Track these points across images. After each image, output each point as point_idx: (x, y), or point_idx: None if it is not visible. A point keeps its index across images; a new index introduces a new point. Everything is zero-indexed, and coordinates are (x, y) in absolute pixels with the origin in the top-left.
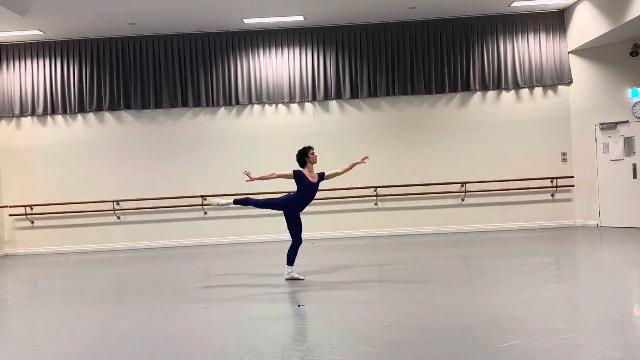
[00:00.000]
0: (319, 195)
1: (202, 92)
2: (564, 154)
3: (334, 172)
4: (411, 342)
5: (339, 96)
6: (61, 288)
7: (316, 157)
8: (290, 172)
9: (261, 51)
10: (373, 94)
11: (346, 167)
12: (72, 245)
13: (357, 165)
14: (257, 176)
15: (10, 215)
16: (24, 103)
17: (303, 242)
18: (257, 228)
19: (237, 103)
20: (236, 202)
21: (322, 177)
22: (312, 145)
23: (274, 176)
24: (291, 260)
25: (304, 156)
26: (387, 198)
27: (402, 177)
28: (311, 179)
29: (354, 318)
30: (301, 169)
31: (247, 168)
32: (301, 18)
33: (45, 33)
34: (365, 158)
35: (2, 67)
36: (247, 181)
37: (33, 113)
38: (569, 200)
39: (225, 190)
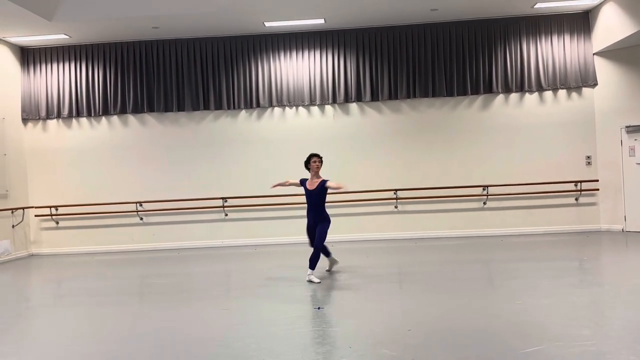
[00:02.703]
0: (337, 197)
1: (224, 95)
2: (589, 157)
3: (330, 184)
4: (432, 346)
5: (359, 98)
6: (84, 288)
7: (317, 165)
8: (297, 180)
9: (282, 54)
10: (393, 96)
11: (332, 185)
12: (95, 246)
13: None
14: (276, 183)
15: (35, 216)
16: (50, 105)
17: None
18: (277, 230)
19: (258, 105)
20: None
21: (322, 184)
22: (317, 154)
23: (287, 183)
24: (311, 263)
25: (307, 163)
26: (407, 201)
27: (422, 180)
28: (308, 186)
29: (373, 321)
30: (306, 178)
31: (267, 169)
32: (322, 21)
33: (70, 37)
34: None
35: (29, 70)
36: (271, 188)
37: (58, 115)
38: (593, 204)
39: (245, 191)
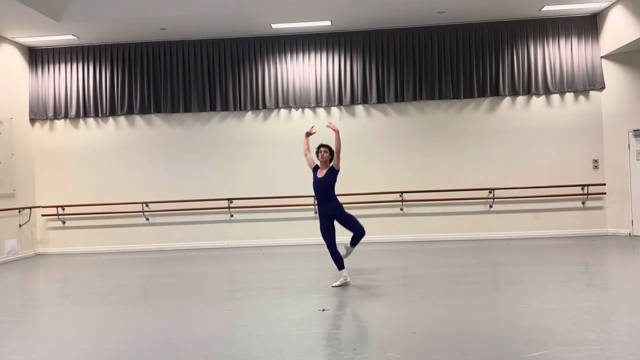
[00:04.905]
0: (343, 199)
1: (230, 96)
2: (596, 161)
3: (336, 157)
4: (436, 349)
5: (365, 100)
6: (90, 287)
7: (323, 155)
8: (313, 162)
9: (288, 55)
10: (400, 98)
11: (334, 139)
12: (101, 245)
13: (332, 129)
14: (307, 139)
15: (42, 215)
16: (57, 106)
17: (322, 247)
18: (283, 231)
19: (264, 107)
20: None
21: (331, 170)
22: (326, 144)
23: (307, 151)
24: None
25: (317, 154)
26: (412, 203)
27: (428, 182)
28: (318, 175)
29: (378, 323)
30: (318, 165)
31: (273, 170)
32: (328, 22)
33: (78, 38)
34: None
35: (37, 70)
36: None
37: (66, 115)
38: (600, 207)
39: (251, 192)
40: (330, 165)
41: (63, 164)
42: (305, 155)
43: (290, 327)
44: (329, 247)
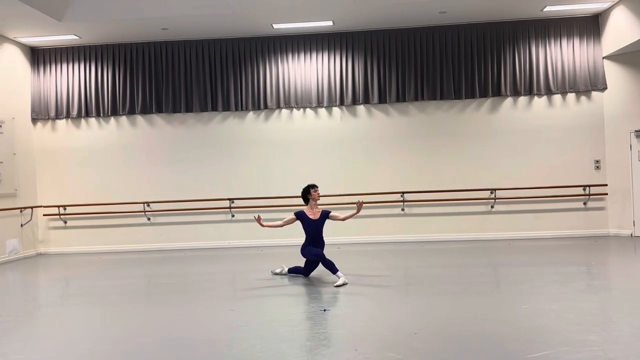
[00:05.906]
0: (345, 199)
1: (232, 96)
2: (597, 161)
3: (336, 215)
4: (438, 350)
5: (366, 100)
6: (91, 287)
7: (318, 194)
8: (292, 216)
9: (290, 56)
10: (401, 98)
11: (346, 214)
12: (102, 245)
13: (354, 215)
14: (266, 224)
15: (44, 215)
16: (59, 106)
17: (326, 247)
18: (284, 231)
19: (265, 107)
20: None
21: (325, 214)
22: (315, 184)
23: (279, 224)
24: (294, 269)
25: (307, 194)
26: (414, 203)
27: (429, 183)
28: (311, 216)
29: (379, 324)
30: (303, 209)
31: (274, 171)
32: (330, 23)
33: (80, 37)
34: (360, 203)
35: (39, 70)
36: (259, 223)
37: (67, 115)
38: (601, 208)
39: (252, 193)
40: (326, 211)
41: (65, 164)
42: (282, 226)
43: (291, 327)
44: (323, 260)
